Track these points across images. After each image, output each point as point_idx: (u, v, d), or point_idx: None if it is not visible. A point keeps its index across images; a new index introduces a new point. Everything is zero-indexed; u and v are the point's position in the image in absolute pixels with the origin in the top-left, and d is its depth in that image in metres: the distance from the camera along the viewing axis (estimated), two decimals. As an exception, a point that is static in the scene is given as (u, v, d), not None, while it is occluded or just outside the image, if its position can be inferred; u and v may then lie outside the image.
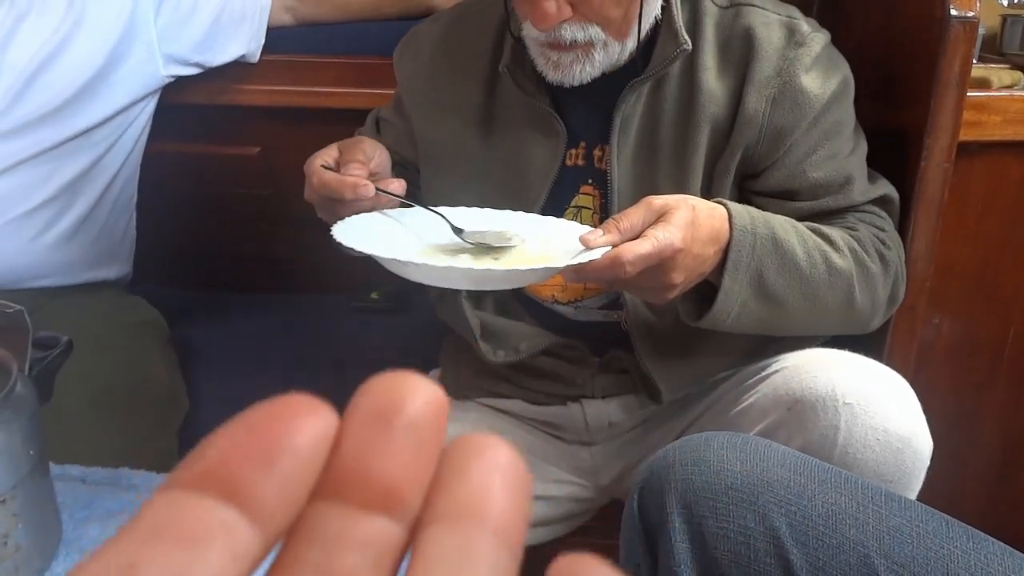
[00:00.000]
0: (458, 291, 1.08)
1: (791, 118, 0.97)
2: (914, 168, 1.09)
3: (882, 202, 1.06)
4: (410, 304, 1.63)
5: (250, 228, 1.65)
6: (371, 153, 1.00)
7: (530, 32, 0.96)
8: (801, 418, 0.89)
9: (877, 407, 0.87)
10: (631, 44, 0.96)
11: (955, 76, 1.06)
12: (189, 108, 1.45)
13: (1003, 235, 1.23)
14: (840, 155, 1.01)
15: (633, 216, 0.85)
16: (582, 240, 0.84)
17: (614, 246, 0.83)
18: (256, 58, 1.43)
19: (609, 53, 0.96)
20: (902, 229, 1.08)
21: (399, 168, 1.14)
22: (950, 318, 1.26)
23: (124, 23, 1.32)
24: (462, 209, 0.97)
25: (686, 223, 0.85)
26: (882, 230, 1.03)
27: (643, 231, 0.84)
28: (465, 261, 0.86)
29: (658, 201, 0.86)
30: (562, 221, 0.97)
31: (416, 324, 1.32)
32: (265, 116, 1.49)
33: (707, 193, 0.99)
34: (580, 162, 1.04)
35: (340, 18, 1.47)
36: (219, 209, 1.61)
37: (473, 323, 1.10)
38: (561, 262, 0.83)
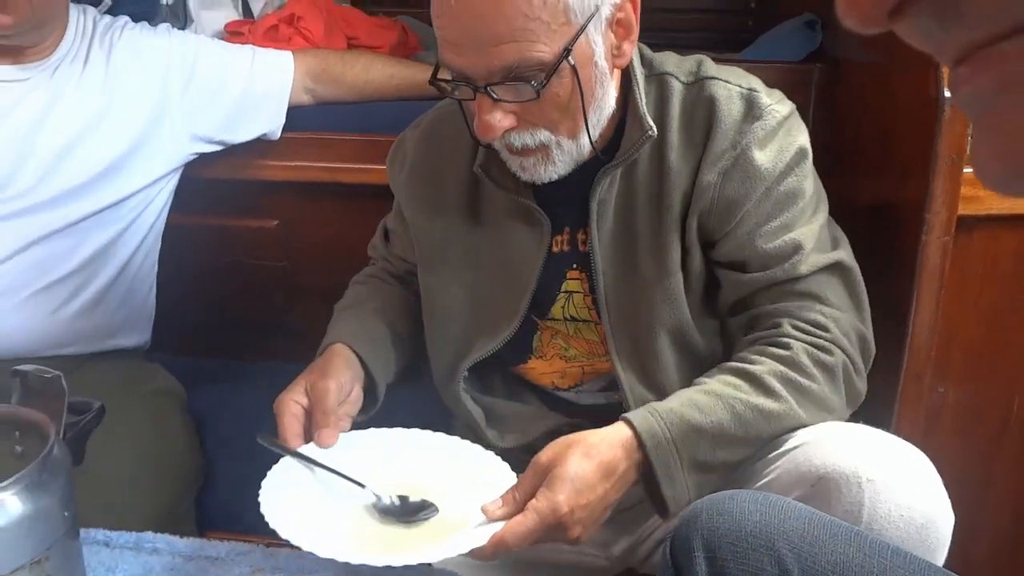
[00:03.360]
0: (458, 381, 1.12)
1: (742, 190, 0.98)
2: (915, 242, 1.12)
3: (833, 270, 1.01)
4: (422, 373, 1.64)
5: (266, 298, 1.68)
6: (339, 396, 1.02)
7: None
8: (825, 495, 0.88)
9: (900, 484, 0.87)
10: (586, 140, 0.97)
11: (951, 153, 1.10)
12: (211, 182, 1.49)
13: (1004, 305, 1.25)
14: (794, 225, 1.00)
15: (526, 483, 0.89)
16: (483, 510, 0.88)
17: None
18: (277, 136, 1.47)
19: (566, 151, 0.97)
20: (906, 301, 1.10)
21: (408, 276, 1.20)
22: (955, 387, 1.27)
23: (152, 103, 1.37)
24: (400, 432, 1.03)
25: (566, 481, 0.87)
26: (824, 329, 0.98)
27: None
28: (366, 533, 0.89)
29: (544, 458, 0.89)
30: (495, 461, 0.98)
31: (429, 393, 1.34)
32: (284, 190, 1.53)
33: (685, 267, 1.01)
34: (566, 248, 1.06)
35: (357, 99, 1.51)
36: (237, 279, 1.64)
37: (476, 413, 1.12)
38: (455, 543, 0.85)
